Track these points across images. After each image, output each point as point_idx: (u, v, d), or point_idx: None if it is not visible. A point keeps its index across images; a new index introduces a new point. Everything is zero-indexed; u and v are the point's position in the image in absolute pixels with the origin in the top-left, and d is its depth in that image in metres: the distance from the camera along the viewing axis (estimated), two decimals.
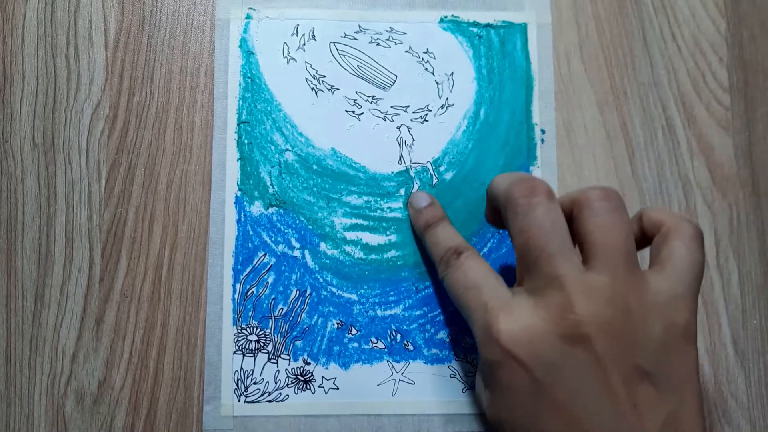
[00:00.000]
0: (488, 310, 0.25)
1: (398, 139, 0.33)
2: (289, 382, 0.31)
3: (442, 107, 0.33)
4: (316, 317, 0.32)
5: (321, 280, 0.32)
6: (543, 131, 0.33)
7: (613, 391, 0.23)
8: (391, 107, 0.33)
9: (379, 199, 0.33)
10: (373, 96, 0.33)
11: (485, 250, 0.32)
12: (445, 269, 0.29)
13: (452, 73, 0.34)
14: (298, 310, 0.32)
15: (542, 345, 0.24)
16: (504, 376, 0.25)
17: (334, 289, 0.32)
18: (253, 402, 0.31)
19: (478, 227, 0.33)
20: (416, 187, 0.33)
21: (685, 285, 0.25)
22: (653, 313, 0.24)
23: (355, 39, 0.34)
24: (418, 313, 0.32)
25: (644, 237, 0.27)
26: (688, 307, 0.25)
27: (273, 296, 0.32)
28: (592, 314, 0.24)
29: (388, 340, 0.32)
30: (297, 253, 0.32)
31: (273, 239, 0.32)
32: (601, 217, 0.25)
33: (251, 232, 0.32)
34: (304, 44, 0.34)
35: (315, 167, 0.33)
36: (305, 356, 0.31)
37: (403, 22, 0.34)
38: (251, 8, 0.34)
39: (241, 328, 0.31)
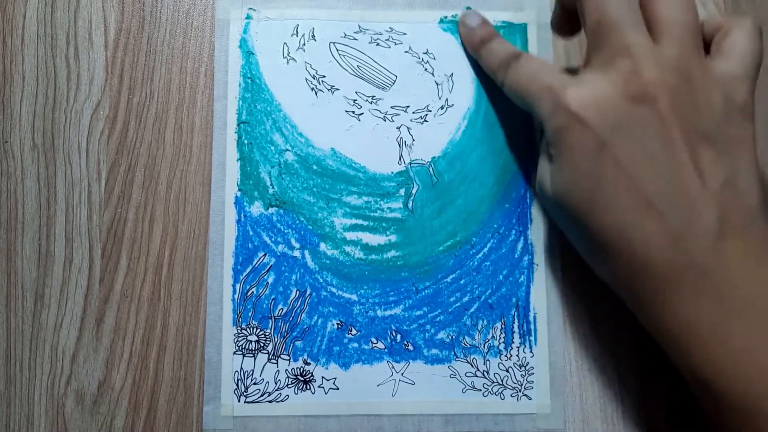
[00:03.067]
0: (555, 88, 0.27)
1: (398, 140, 0.33)
2: (289, 383, 0.31)
3: (442, 108, 0.33)
4: (316, 317, 0.32)
5: (321, 280, 0.32)
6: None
7: (675, 148, 0.25)
8: (391, 107, 0.33)
9: (379, 200, 0.33)
10: (373, 96, 0.33)
11: (485, 250, 0.32)
12: (505, 72, 0.30)
13: (452, 73, 0.34)
14: (298, 311, 0.32)
15: (609, 105, 0.25)
16: (570, 139, 0.26)
17: (334, 290, 0.32)
18: (253, 402, 0.31)
19: (478, 227, 0.33)
20: (416, 188, 0.33)
21: (745, 68, 0.26)
22: (715, 88, 0.26)
23: (355, 39, 0.34)
24: (418, 313, 0.32)
25: (704, 43, 0.28)
26: (747, 88, 0.26)
27: (273, 296, 0.32)
28: (658, 78, 0.25)
29: (388, 340, 0.32)
30: (297, 254, 0.32)
31: (273, 239, 0.32)
32: None
33: (251, 233, 0.32)
34: (304, 44, 0.34)
35: (315, 167, 0.33)
36: (305, 356, 0.31)
37: (403, 22, 0.34)
38: (251, 8, 0.34)
39: (241, 329, 0.31)
